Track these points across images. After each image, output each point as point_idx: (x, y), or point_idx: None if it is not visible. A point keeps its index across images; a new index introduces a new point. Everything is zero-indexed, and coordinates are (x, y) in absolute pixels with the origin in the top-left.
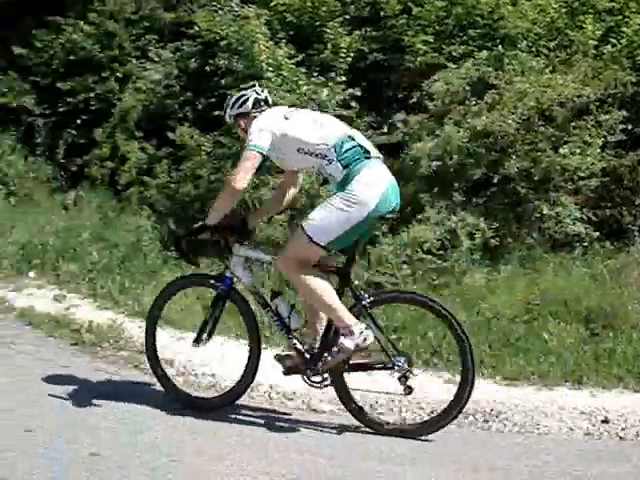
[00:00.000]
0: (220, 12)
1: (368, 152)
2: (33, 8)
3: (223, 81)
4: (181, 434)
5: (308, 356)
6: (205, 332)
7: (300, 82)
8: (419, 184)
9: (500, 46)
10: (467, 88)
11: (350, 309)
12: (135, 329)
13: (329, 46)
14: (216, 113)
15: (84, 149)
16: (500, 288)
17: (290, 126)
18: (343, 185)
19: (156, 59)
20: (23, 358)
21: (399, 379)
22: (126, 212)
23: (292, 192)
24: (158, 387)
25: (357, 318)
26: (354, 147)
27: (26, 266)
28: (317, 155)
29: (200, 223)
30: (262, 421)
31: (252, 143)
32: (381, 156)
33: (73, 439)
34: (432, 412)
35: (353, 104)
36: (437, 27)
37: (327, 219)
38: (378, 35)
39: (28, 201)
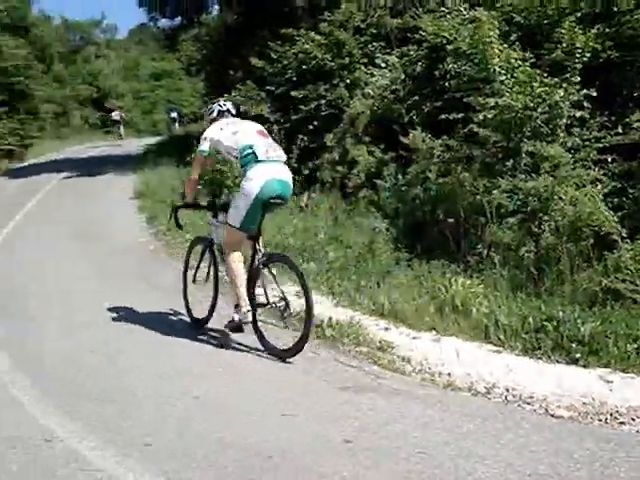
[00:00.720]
0: (447, 16)
1: (257, 157)
2: (268, 22)
3: (450, 84)
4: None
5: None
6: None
7: (534, 84)
8: None
9: None
10: None
11: (253, 264)
12: (372, 327)
13: (562, 45)
14: (443, 117)
15: (315, 154)
16: None
17: (221, 135)
18: (241, 180)
19: (383, 65)
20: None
21: (281, 315)
22: (355, 213)
23: None
24: (394, 383)
25: (260, 269)
26: (249, 154)
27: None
28: (233, 156)
29: (183, 202)
30: (499, 425)
31: (198, 148)
32: (280, 159)
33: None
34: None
35: (586, 104)
36: None
37: (233, 210)
38: (612, 32)
39: None
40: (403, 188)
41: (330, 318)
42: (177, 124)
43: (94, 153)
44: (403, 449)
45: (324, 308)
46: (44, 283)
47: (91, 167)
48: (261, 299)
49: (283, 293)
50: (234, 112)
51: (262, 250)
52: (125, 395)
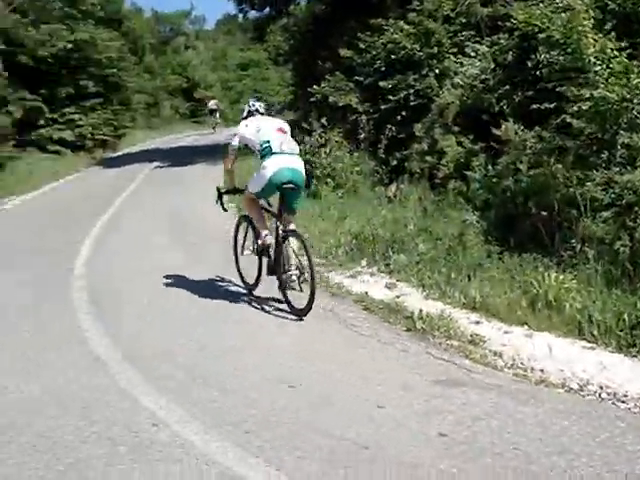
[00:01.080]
0: (540, 4)
1: (272, 150)
2: (356, 12)
3: (542, 74)
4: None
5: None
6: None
7: (631, 75)
8: None
9: None
10: None
11: (278, 235)
12: (463, 320)
13: None
14: (535, 107)
15: (404, 144)
16: None
17: (246, 131)
18: (259, 167)
19: (472, 54)
20: (365, 340)
21: (297, 281)
22: (444, 205)
23: None
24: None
25: (282, 241)
26: (266, 147)
27: (359, 255)
28: (257, 149)
29: (224, 190)
30: (594, 423)
31: (230, 143)
32: (292, 151)
33: (424, 418)
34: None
35: None
36: None
37: (252, 182)
38: None
39: (353, 193)
40: (494, 180)
41: (420, 310)
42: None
43: (184, 143)
44: (498, 445)
45: (414, 300)
46: (138, 273)
47: (182, 157)
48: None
49: (300, 263)
50: (262, 111)
51: (282, 226)
52: (226, 379)
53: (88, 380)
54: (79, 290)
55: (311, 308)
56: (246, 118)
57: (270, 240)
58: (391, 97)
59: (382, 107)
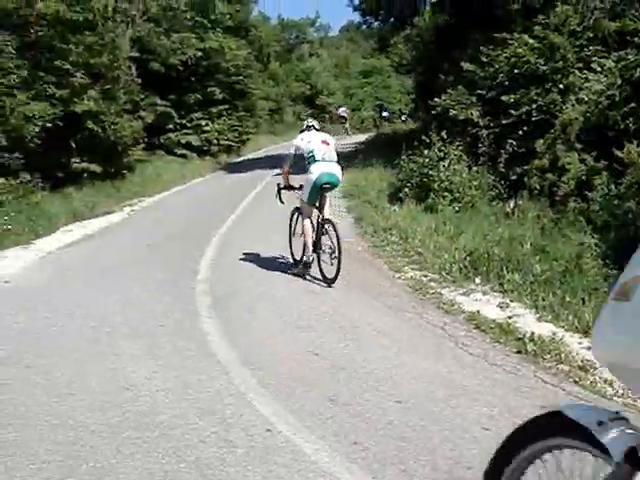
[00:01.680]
0: None
1: (315, 158)
2: (480, 25)
3: None
4: None
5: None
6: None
7: None
8: None
9: None
10: None
11: (318, 223)
12: (575, 344)
13: None
14: None
15: (524, 159)
16: None
17: (301, 143)
18: (307, 173)
19: (598, 69)
20: (474, 360)
21: (330, 256)
22: (563, 224)
23: None
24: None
25: (320, 227)
26: (311, 156)
27: (473, 272)
28: (306, 158)
29: (282, 186)
30: None
31: (287, 151)
32: (332, 160)
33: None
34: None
35: None
36: None
37: (303, 191)
38: None
39: (470, 208)
40: (615, 201)
41: (532, 333)
42: (386, 122)
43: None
44: None
45: (526, 321)
46: (255, 280)
47: (299, 166)
48: (321, 246)
49: (332, 242)
50: (317, 127)
51: (321, 216)
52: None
53: (210, 384)
54: (202, 294)
55: (337, 278)
56: (302, 132)
57: (311, 260)
58: (513, 112)
59: (503, 121)
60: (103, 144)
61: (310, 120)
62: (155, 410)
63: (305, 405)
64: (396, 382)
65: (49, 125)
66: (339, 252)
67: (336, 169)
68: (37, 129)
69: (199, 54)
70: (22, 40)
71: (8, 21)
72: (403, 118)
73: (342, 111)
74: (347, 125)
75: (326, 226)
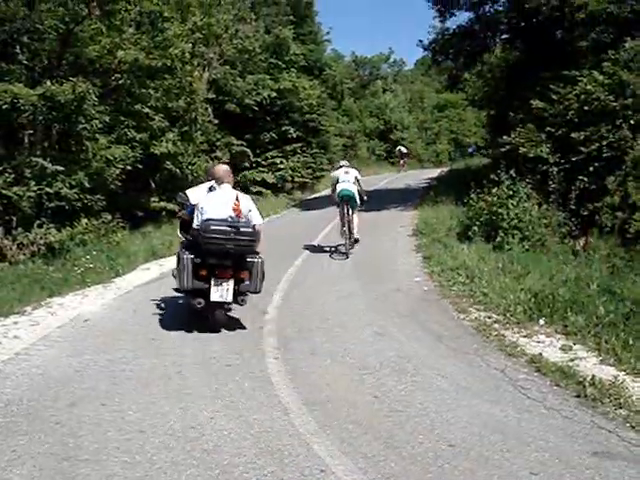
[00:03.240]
0: None
1: (339, 181)
2: (550, 61)
3: None
4: None
5: None
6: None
7: None
8: None
9: None
10: None
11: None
12: (636, 388)
13: None
14: None
15: (595, 196)
16: None
17: (335, 173)
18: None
19: None
20: (531, 403)
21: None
22: (634, 263)
23: None
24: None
25: (346, 221)
26: (337, 181)
27: (537, 314)
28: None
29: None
30: None
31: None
32: (349, 181)
33: None
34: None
35: None
36: None
37: (335, 200)
38: None
39: (539, 246)
40: None
41: (592, 376)
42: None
43: (379, 186)
44: None
45: (588, 365)
46: (322, 318)
47: (374, 201)
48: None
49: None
50: (348, 165)
51: (347, 216)
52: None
53: (271, 424)
54: (269, 334)
55: (352, 247)
56: (336, 169)
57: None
58: (583, 148)
59: (573, 158)
60: (181, 183)
61: (342, 161)
62: (218, 449)
63: (360, 447)
64: (451, 425)
65: (129, 167)
66: (352, 235)
67: (351, 187)
68: (118, 171)
69: (274, 94)
70: (104, 86)
71: (91, 68)
72: (470, 150)
73: (402, 149)
74: (404, 161)
75: (349, 219)
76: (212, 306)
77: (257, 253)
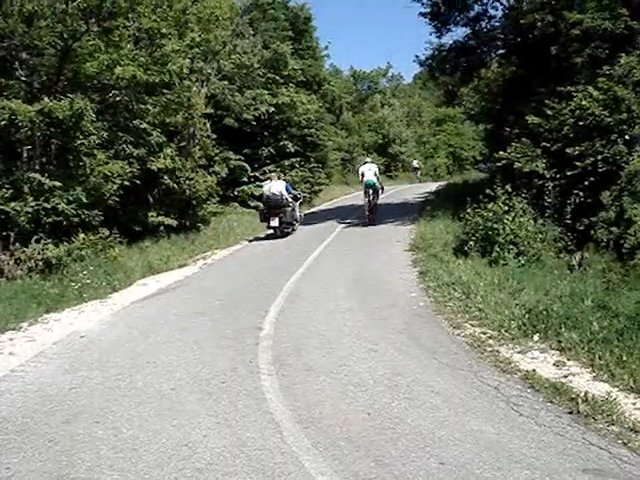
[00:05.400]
0: None
1: (364, 176)
2: (545, 76)
3: None
4: None
5: None
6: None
7: None
8: None
9: None
10: None
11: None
12: (628, 405)
13: None
14: None
15: (590, 211)
16: None
17: (361, 168)
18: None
19: None
20: (524, 420)
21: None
22: (630, 278)
23: None
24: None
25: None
26: (363, 175)
27: (531, 330)
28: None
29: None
30: None
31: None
32: (370, 172)
33: None
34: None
35: None
36: None
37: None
38: None
39: (535, 261)
40: None
41: (586, 392)
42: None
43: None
44: None
45: (581, 381)
46: (319, 336)
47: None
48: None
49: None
50: (370, 161)
51: (372, 197)
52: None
53: (264, 442)
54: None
55: (370, 220)
56: (361, 164)
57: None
58: (578, 163)
59: (568, 173)
60: (179, 198)
61: (366, 158)
62: (210, 467)
63: (351, 465)
64: (442, 443)
65: (127, 183)
66: (372, 211)
67: (373, 178)
68: (115, 187)
69: (272, 109)
70: (102, 102)
71: (90, 84)
72: (483, 167)
73: (416, 163)
74: (419, 174)
75: (372, 201)
76: (271, 227)
77: (288, 206)
